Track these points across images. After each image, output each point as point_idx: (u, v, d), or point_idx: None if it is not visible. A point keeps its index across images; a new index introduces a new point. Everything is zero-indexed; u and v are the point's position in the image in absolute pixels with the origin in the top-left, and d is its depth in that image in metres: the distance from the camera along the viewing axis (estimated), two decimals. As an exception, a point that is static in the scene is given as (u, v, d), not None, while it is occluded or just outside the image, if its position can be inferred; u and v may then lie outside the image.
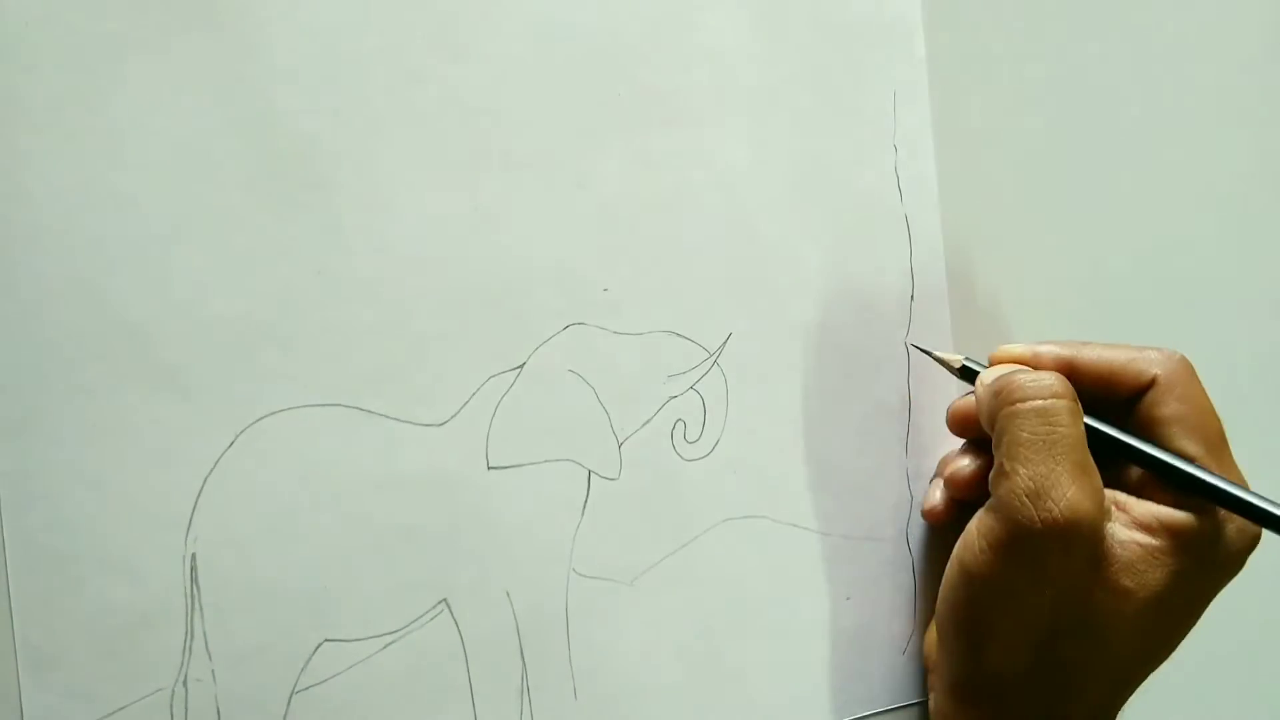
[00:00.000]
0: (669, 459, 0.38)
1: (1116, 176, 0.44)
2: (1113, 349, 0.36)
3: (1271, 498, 0.34)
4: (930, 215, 0.41)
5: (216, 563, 0.34)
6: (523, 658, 0.36)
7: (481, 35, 0.36)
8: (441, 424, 0.36)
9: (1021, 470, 0.33)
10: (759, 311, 0.39)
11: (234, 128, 0.34)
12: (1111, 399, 0.36)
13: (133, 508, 0.33)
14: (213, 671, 0.34)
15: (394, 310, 0.35)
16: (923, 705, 0.40)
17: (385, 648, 0.35)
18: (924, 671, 0.40)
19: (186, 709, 0.33)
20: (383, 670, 0.35)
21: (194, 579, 0.34)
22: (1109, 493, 0.35)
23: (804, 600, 0.39)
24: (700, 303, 0.38)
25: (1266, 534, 0.35)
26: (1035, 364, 0.36)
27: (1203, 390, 0.36)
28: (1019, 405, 0.34)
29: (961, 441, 0.39)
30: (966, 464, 0.38)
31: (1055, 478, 0.33)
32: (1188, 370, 0.36)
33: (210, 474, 0.34)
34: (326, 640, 0.35)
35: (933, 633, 0.39)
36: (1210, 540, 0.34)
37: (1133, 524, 0.34)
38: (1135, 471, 0.36)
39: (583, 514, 0.37)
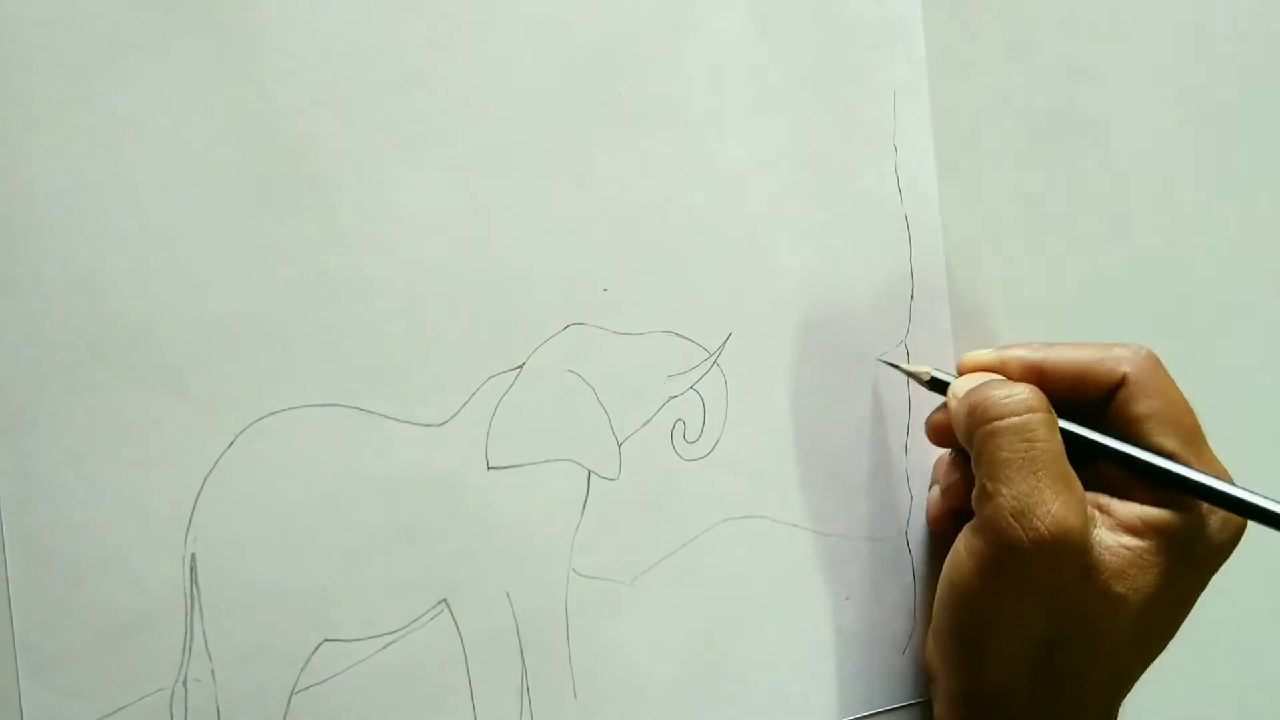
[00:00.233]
0: (669, 459, 0.38)
1: (1115, 176, 0.44)
2: (1080, 349, 0.36)
3: (1253, 489, 0.34)
4: (930, 215, 0.41)
5: (216, 563, 0.34)
6: (522, 658, 0.36)
7: (481, 35, 0.36)
8: (441, 424, 0.36)
9: (1005, 490, 0.33)
10: (759, 311, 0.39)
11: (234, 127, 0.34)
12: (1082, 400, 0.36)
13: (133, 508, 0.33)
14: (212, 671, 0.34)
15: (394, 310, 0.35)
16: (922, 705, 0.40)
17: (385, 648, 0.35)
18: (925, 674, 0.40)
19: (186, 709, 0.33)
20: (383, 670, 0.35)
21: (194, 579, 0.34)
22: (1090, 496, 0.34)
23: (803, 600, 0.39)
24: (700, 303, 0.38)
25: (1252, 525, 0.35)
26: (1004, 371, 0.36)
27: (1174, 384, 0.36)
28: (995, 424, 0.34)
29: None
30: (957, 476, 0.38)
31: (1038, 495, 0.32)
32: (1156, 365, 0.36)
33: (210, 474, 0.34)
34: (326, 640, 0.35)
35: (932, 644, 0.39)
36: (1195, 535, 0.34)
37: (1117, 527, 0.34)
38: (1114, 471, 0.35)
39: (582, 514, 0.37)
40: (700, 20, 0.38)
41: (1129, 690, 0.36)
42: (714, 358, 0.39)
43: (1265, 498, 0.33)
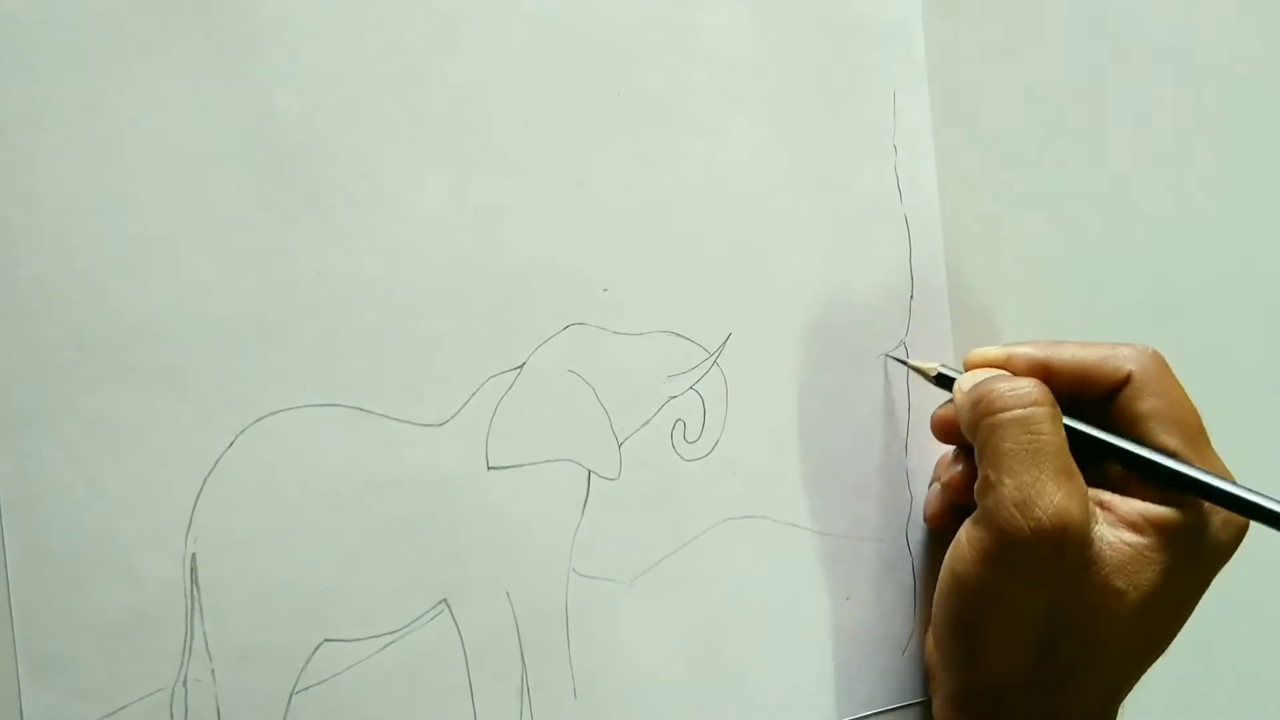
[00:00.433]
0: (669, 459, 0.38)
1: (1116, 175, 0.44)
2: (1086, 347, 0.36)
3: (1255, 489, 0.34)
4: (930, 215, 0.41)
5: (216, 563, 0.34)
6: (522, 657, 0.36)
7: (482, 35, 0.36)
8: (441, 424, 0.36)
9: (1007, 480, 0.33)
10: (759, 311, 0.39)
11: (235, 127, 0.34)
12: (1087, 397, 0.36)
13: (133, 508, 0.33)
14: (213, 671, 0.34)
15: (394, 310, 0.35)
16: (922, 705, 0.40)
17: (385, 648, 0.35)
18: (925, 673, 0.40)
19: (186, 709, 0.33)
20: (383, 670, 0.35)
21: (194, 579, 0.34)
22: (1093, 492, 0.35)
23: (804, 600, 0.39)
24: (700, 303, 0.38)
25: (1254, 526, 0.35)
26: (1010, 367, 0.36)
27: (1178, 383, 0.36)
28: (1000, 416, 0.34)
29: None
30: (960, 470, 0.38)
31: (1040, 485, 0.33)
32: (1161, 364, 0.36)
33: (210, 474, 0.34)
34: (326, 640, 0.35)
35: (932, 640, 0.39)
36: (1197, 534, 0.34)
37: (1119, 523, 0.34)
38: (1117, 469, 0.35)
39: (582, 514, 0.37)
40: (700, 21, 0.38)
41: (1128, 691, 0.36)
42: (714, 358, 0.39)
43: (1266, 497, 0.34)
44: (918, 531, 0.41)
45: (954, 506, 0.39)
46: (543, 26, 0.37)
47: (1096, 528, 0.34)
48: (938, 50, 0.41)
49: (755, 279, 0.39)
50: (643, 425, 0.38)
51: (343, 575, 0.35)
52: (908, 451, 0.41)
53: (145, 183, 0.34)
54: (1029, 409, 0.34)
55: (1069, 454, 0.34)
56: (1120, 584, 0.33)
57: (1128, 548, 0.34)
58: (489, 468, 0.36)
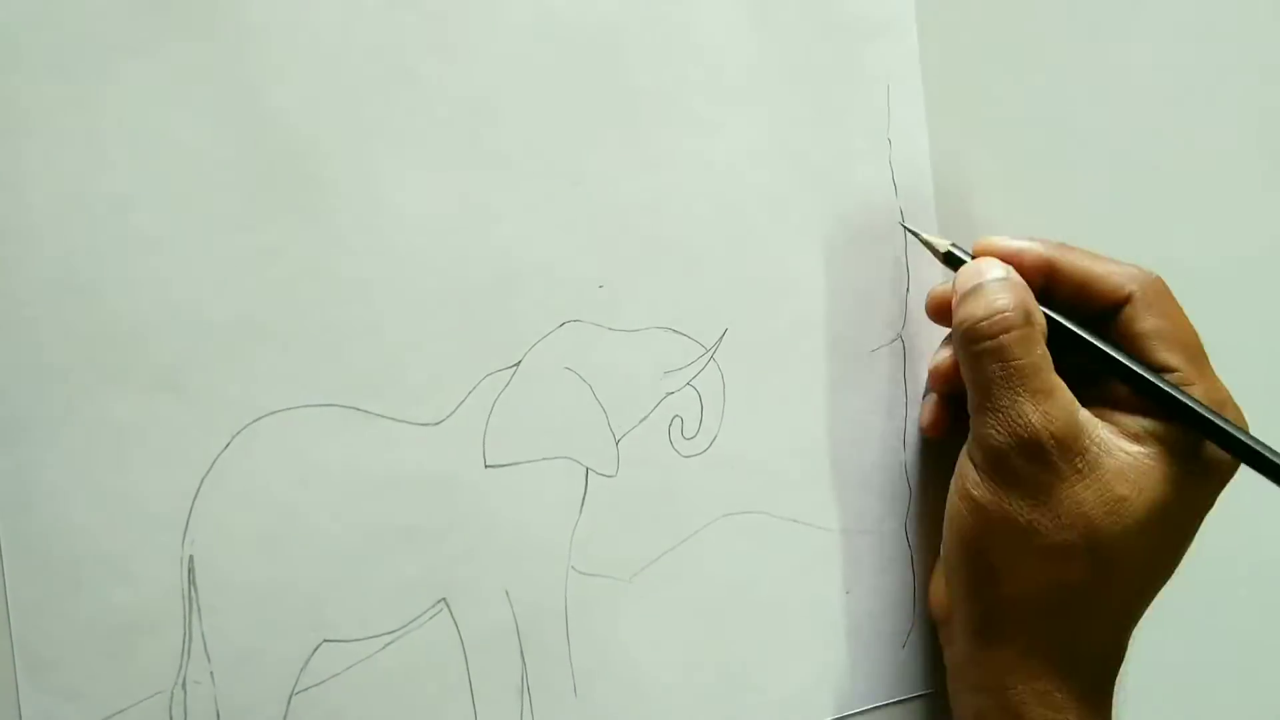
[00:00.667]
0: (667, 455, 0.38)
1: (1111, 168, 0.44)
2: (1093, 259, 0.37)
3: (1238, 426, 0.35)
4: (925, 209, 0.41)
5: (214, 564, 0.34)
6: (522, 656, 0.36)
7: (475, 34, 0.36)
8: (438, 423, 0.36)
9: (987, 404, 0.35)
10: (755, 307, 0.39)
11: (228, 128, 0.34)
12: (1087, 310, 0.37)
13: (130, 509, 0.33)
14: (211, 673, 0.34)
15: (389, 309, 0.35)
16: (924, 699, 0.40)
17: (384, 648, 0.35)
18: (929, 654, 0.40)
19: (185, 711, 0.33)
20: (382, 670, 0.35)
21: (192, 581, 0.34)
22: (1096, 410, 0.36)
23: (804, 595, 0.39)
24: (696, 299, 0.38)
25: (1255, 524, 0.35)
26: (1016, 261, 0.37)
27: (1179, 307, 0.37)
28: (974, 348, 0.35)
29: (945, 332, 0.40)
30: (946, 355, 0.39)
31: (1018, 408, 0.34)
32: (1164, 288, 0.37)
33: (207, 475, 0.34)
34: (325, 641, 0.35)
35: (940, 584, 0.39)
36: (1196, 448, 0.35)
37: (1121, 434, 0.35)
38: (1121, 390, 0.36)
39: (581, 511, 0.37)
40: (693, 16, 0.38)
41: (1139, 617, 0.37)
42: (711, 353, 0.39)
43: (1245, 433, 0.34)
44: (917, 525, 0.41)
45: (946, 409, 0.40)
46: (537, 24, 0.37)
47: (1098, 435, 0.35)
48: (931, 42, 0.41)
49: (751, 274, 0.39)
50: (640, 422, 0.38)
51: (341, 575, 0.35)
52: (905, 445, 0.41)
53: (140, 184, 0.34)
54: (1000, 338, 0.35)
55: (1047, 372, 0.35)
56: (1123, 490, 0.34)
57: (1127, 456, 0.35)
58: (486, 466, 0.36)
